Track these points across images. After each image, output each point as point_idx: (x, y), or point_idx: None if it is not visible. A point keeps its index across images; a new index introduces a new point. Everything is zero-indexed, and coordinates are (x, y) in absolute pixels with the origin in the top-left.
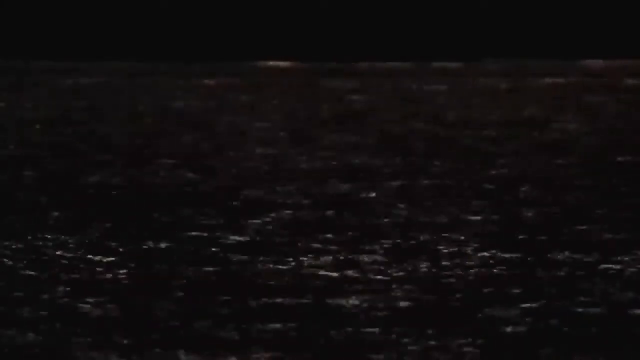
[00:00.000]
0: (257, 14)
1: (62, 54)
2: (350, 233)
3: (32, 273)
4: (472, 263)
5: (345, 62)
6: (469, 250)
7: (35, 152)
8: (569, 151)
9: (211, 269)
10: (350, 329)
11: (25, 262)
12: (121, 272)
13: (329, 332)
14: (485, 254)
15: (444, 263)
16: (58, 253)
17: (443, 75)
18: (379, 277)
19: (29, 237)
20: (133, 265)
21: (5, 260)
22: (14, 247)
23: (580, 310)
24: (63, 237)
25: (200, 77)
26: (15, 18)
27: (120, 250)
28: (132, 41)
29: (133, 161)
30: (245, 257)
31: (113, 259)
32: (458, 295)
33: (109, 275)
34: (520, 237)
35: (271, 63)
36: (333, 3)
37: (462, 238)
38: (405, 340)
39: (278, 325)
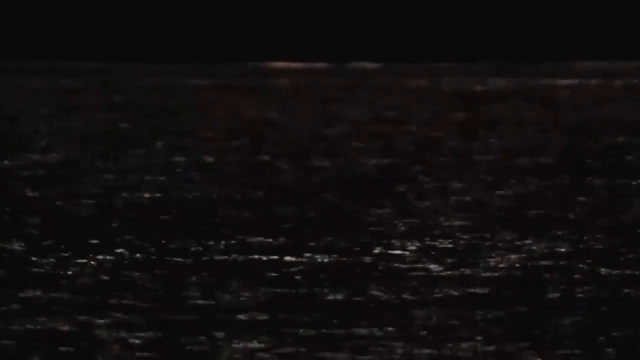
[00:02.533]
0: (258, 14)
1: (62, 54)
2: None
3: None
4: None
5: (346, 62)
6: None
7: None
8: None
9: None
10: None
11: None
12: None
13: None
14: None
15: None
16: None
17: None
18: None
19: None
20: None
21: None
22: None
23: None
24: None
25: (201, 77)
26: (12, 18)
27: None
28: (131, 41)
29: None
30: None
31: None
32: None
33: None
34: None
35: (271, 63)
36: (333, 3)
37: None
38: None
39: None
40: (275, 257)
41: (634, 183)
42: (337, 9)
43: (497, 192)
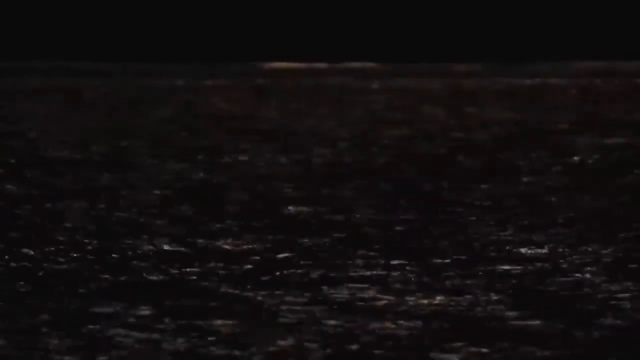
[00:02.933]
0: (258, 15)
1: (62, 54)
2: None
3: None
4: None
5: (346, 62)
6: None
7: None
8: None
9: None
10: None
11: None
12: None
13: None
14: None
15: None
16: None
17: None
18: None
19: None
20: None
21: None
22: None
23: None
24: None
25: (201, 77)
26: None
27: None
28: (131, 41)
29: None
30: None
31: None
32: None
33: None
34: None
35: (271, 63)
36: (333, 3)
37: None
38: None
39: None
40: (275, 256)
41: (634, 183)
42: (337, 9)
43: (497, 192)
